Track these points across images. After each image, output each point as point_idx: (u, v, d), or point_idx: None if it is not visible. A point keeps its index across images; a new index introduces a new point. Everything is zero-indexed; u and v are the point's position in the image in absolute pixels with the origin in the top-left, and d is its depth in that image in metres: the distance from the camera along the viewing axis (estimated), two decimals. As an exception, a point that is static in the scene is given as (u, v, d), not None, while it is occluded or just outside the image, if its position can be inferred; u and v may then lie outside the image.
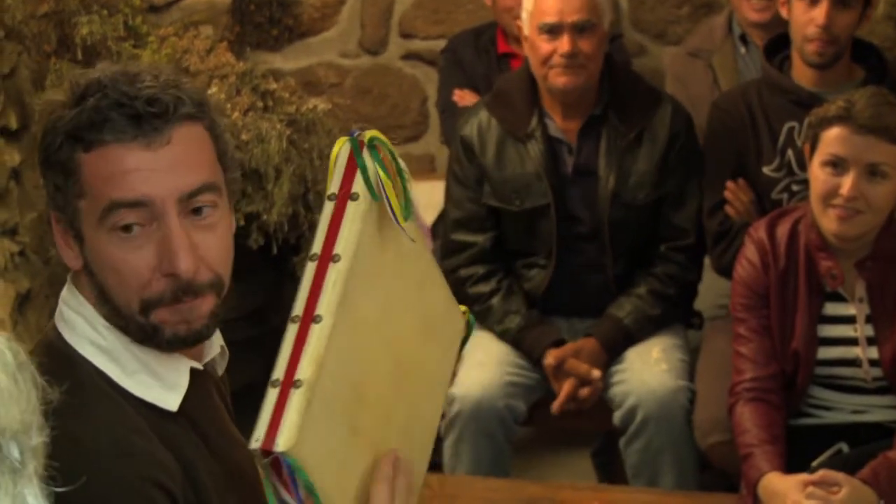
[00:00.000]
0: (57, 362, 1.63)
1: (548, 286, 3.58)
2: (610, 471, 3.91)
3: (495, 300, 3.56)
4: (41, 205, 4.56)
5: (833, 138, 2.88)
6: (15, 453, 1.16)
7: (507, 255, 3.64)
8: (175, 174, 1.63)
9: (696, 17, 4.80)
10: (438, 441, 3.59)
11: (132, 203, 1.61)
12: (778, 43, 3.52)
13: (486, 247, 3.60)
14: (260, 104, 4.42)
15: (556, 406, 3.48)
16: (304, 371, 1.56)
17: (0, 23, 4.19)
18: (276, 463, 1.53)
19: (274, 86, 4.52)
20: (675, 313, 3.62)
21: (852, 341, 3.00)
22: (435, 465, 3.45)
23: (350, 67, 5.12)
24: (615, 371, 3.51)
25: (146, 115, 1.61)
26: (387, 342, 1.72)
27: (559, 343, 3.54)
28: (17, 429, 1.16)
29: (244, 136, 4.25)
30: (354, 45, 5.11)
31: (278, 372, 1.56)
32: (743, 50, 4.14)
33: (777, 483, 2.84)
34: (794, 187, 3.39)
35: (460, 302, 1.98)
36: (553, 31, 3.43)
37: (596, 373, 3.46)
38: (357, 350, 1.66)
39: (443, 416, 3.41)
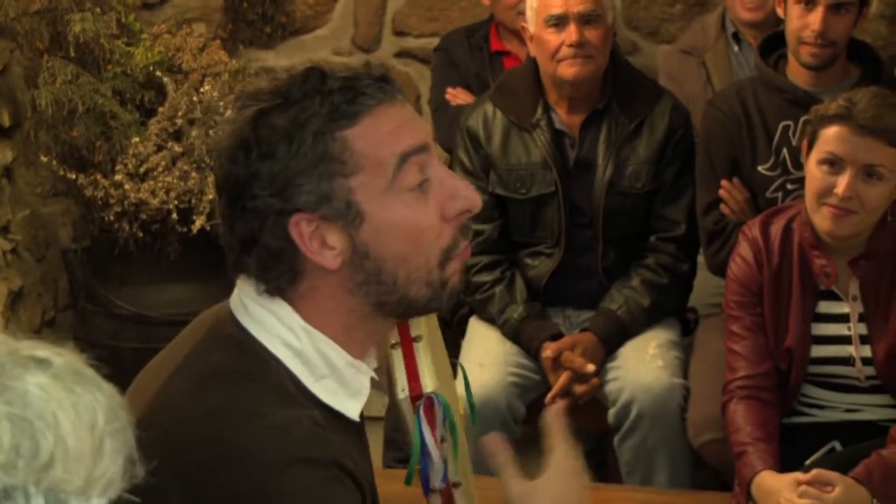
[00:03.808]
0: (248, 360, 1.66)
1: (550, 275, 3.59)
2: (600, 473, 3.91)
3: (498, 289, 3.59)
4: (33, 202, 4.56)
5: (831, 137, 2.87)
6: None
7: (512, 245, 3.66)
8: (423, 122, 1.75)
9: (689, 15, 4.80)
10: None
11: (419, 148, 1.67)
12: (773, 41, 3.52)
13: (492, 236, 3.63)
14: (253, 102, 4.41)
15: (548, 397, 3.49)
16: (420, 328, 1.79)
17: (-8, 20, 4.19)
18: (430, 403, 1.72)
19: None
20: (669, 304, 3.64)
21: (846, 340, 3.00)
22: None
23: (343, 65, 5.11)
24: (610, 368, 3.52)
25: (387, 78, 1.69)
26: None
27: (557, 337, 3.55)
28: (76, 489, 1.16)
29: (237, 134, 4.25)
30: (347, 42, 5.10)
31: (393, 338, 1.79)
32: (736, 48, 4.15)
33: (770, 481, 2.84)
34: (789, 186, 3.39)
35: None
36: (559, 22, 3.47)
37: (590, 367, 3.47)
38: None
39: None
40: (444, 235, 1.68)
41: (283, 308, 1.68)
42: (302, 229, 1.64)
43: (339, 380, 1.69)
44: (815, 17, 3.29)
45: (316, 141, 1.62)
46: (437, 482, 1.82)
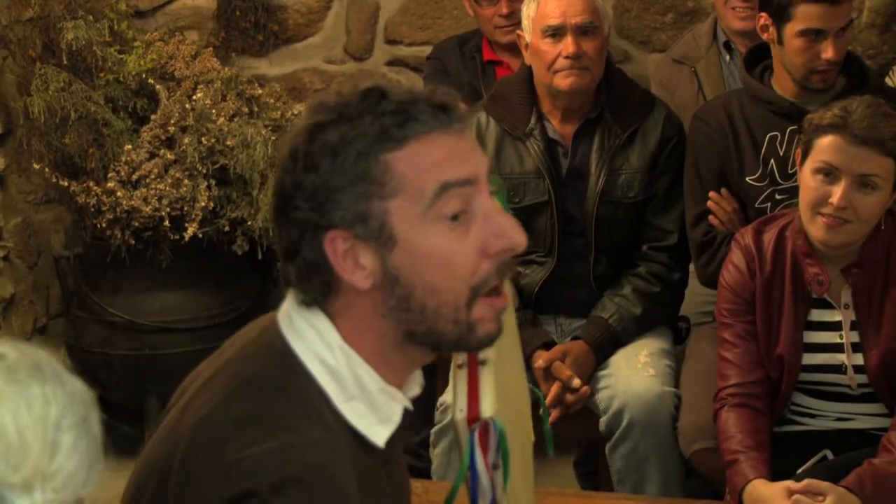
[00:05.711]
0: (283, 372, 1.67)
1: (542, 284, 3.59)
2: (592, 481, 3.91)
3: None
4: (26, 210, 4.56)
5: (827, 146, 2.87)
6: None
7: None
8: (481, 156, 1.72)
9: (680, 24, 4.81)
10: (428, 448, 3.58)
11: (464, 181, 1.66)
12: (757, 53, 3.53)
13: None
14: (245, 110, 4.42)
15: None
16: (487, 353, 1.80)
17: (-15, 28, 4.19)
18: (485, 428, 1.73)
19: (259, 91, 4.53)
20: (660, 313, 3.63)
21: (838, 348, 3.01)
22: (423, 472, 3.44)
23: (335, 73, 5.11)
24: (602, 376, 3.51)
25: (448, 106, 1.68)
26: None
27: (549, 345, 3.55)
28: (15, 483, 1.15)
29: (229, 142, 4.25)
30: (340, 50, 5.10)
31: (461, 358, 1.80)
32: (727, 57, 4.15)
33: (762, 490, 2.84)
34: (778, 196, 3.40)
35: None
36: (557, 33, 3.47)
37: (576, 381, 3.46)
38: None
39: (434, 423, 3.41)
40: (478, 272, 1.66)
41: (324, 324, 1.68)
42: (337, 246, 1.64)
43: (369, 404, 1.69)
44: (828, 46, 3.28)
45: (358, 160, 1.63)
46: None
